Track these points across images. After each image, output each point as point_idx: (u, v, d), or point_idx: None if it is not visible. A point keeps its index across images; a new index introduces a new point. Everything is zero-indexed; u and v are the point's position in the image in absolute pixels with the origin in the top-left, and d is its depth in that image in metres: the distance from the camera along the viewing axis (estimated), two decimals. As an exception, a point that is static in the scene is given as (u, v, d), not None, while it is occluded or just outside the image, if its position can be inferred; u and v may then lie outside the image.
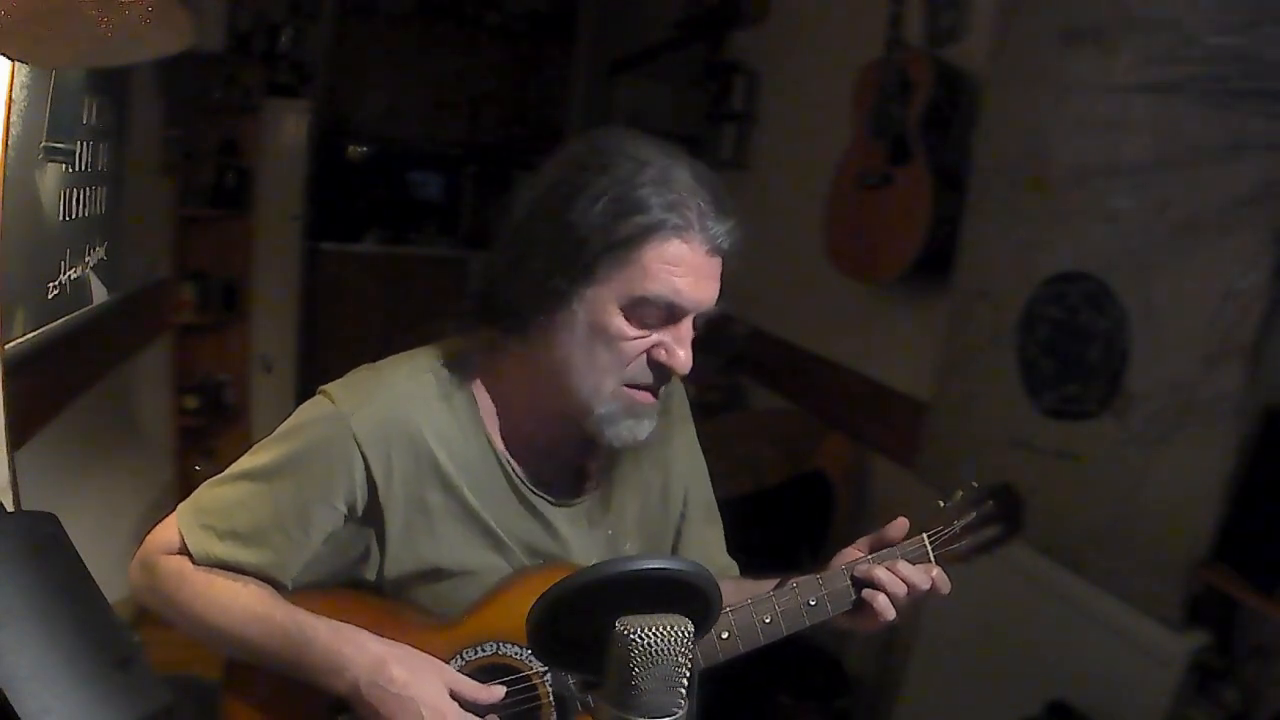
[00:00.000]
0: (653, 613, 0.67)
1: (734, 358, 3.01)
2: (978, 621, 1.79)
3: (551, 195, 0.91)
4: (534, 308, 0.92)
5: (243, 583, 0.96)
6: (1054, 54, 1.81)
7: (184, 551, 0.97)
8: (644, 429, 0.97)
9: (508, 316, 0.94)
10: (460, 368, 1.00)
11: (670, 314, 0.91)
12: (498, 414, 1.01)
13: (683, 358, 0.93)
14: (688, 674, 0.67)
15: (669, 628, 0.66)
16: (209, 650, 0.99)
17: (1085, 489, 1.71)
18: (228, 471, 1.00)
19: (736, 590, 1.03)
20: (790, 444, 2.62)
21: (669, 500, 1.14)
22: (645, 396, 0.95)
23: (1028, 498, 1.06)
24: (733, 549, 1.21)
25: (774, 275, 2.89)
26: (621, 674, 0.65)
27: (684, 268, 0.89)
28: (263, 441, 0.99)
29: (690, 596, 0.69)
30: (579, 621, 0.68)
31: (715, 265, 0.92)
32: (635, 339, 0.91)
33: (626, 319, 0.91)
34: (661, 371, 0.94)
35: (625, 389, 0.94)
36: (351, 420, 0.94)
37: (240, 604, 0.95)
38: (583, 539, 1.05)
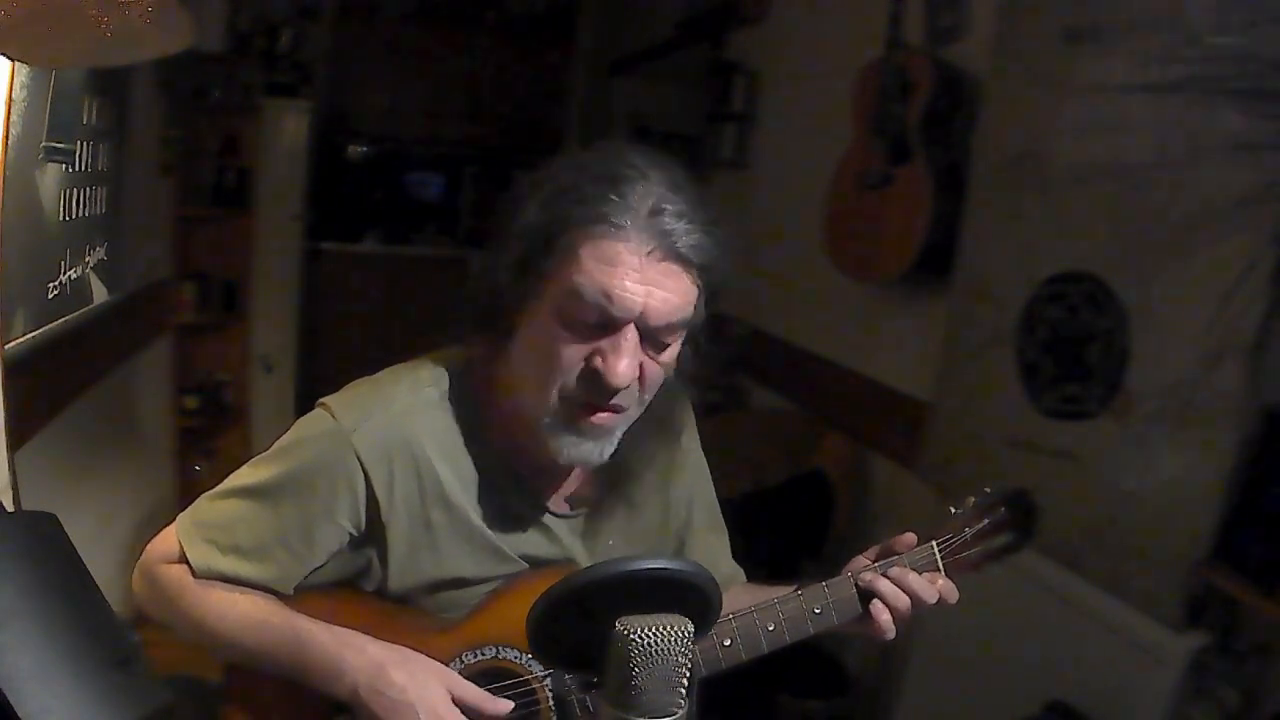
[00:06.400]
0: (652, 613, 0.67)
1: (734, 358, 3.01)
2: (977, 621, 1.78)
3: (522, 197, 0.89)
4: (500, 312, 0.91)
5: (241, 590, 0.96)
6: (1054, 54, 1.81)
7: (184, 561, 0.97)
8: (591, 451, 0.91)
9: (488, 324, 0.93)
10: (461, 379, 0.98)
11: (604, 319, 0.85)
12: (500, 426, 0.98)
13: (618, 368, 0.84)
14: (687, 674, 0.67)
15: (669, 627, 0.66)
16: (212, 656, 0.99)
17: (1085, 489, 1.71)
18: (227, 484, 0.98)
19: (748, 598, 1.02)
20: (790, 444, 2.62)
21: (671, 509, 1.12)
22: (586, 415, 0.89)
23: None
24: (733, 549, 1.20)
25: (774, 275, 2.89)
26: (621, 674, 0.66)
27: (620, 269, 0.83)
28: (262, 455, 0.98)
29: (690, 596, 0.69)
30: (579, 622, 0.68)
31: (671, 274, 0.84)
32: (570, 343, 0.86)
33: (562, 322, 0.86)
34: (597, 384, 0.86)
35: (564, 402, 0.89)
36: (353, 437, 0.93)
37: (239, 610, 0.94)
38: (586, 551, 1.04)
